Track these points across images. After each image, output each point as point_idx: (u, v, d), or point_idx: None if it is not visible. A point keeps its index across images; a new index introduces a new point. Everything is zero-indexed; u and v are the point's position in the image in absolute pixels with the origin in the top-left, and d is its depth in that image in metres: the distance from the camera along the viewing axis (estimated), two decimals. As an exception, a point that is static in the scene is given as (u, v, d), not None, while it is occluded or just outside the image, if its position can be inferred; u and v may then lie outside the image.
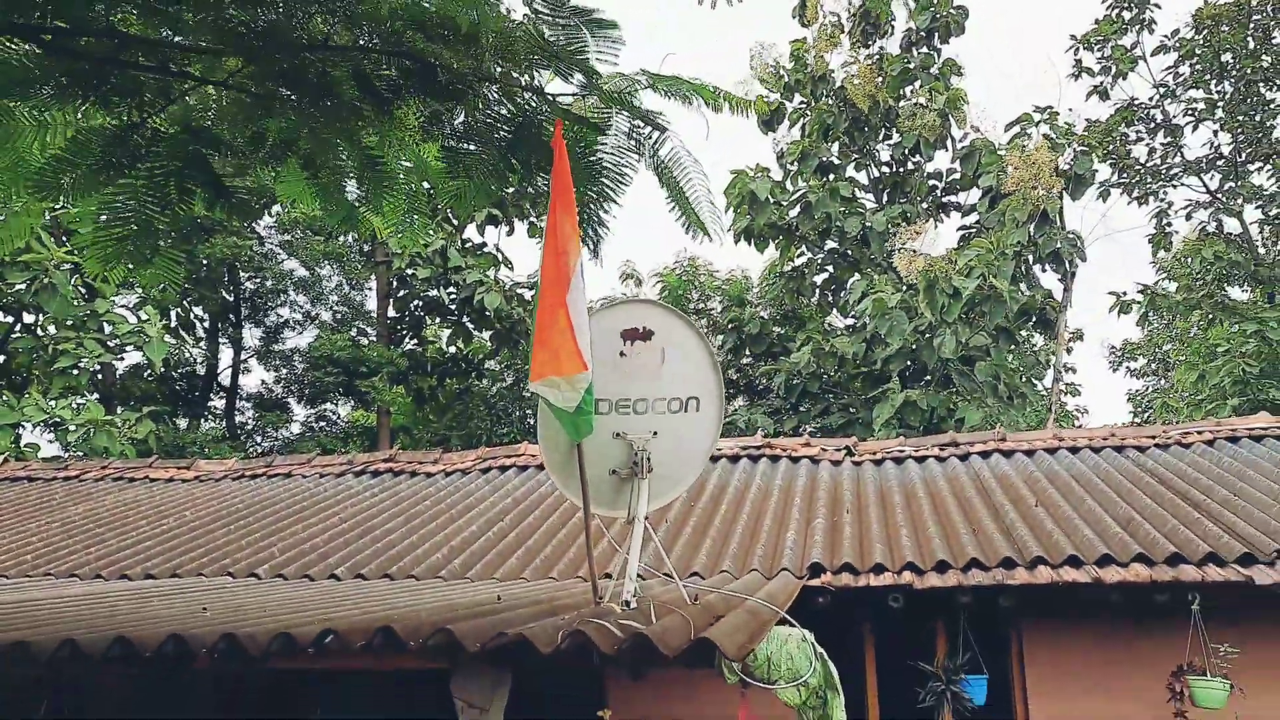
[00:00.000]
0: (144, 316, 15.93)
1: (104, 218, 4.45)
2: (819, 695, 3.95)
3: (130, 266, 4.50)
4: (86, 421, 13.96)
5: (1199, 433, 9.32)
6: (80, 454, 13.94)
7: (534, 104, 4.57)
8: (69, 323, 15.28)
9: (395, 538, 8.04)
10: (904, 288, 14.81)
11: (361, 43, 4.28)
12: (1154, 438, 9.36)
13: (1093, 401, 50.16)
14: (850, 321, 18.16)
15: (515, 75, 4.50)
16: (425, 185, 5.17)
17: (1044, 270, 16.03)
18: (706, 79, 4.60)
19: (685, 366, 4.40)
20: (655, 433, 4.33)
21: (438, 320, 21.53)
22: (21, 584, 7.15)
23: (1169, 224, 23.58)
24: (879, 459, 9.54)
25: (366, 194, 4.86)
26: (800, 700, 3.95)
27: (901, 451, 9.70)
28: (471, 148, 4.73)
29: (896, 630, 6.89)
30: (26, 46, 3.98)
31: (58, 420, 14.14)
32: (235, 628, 3.50)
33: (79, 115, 4.35)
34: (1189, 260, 23.44)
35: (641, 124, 4.80)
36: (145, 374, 19.67)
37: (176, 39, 4.28)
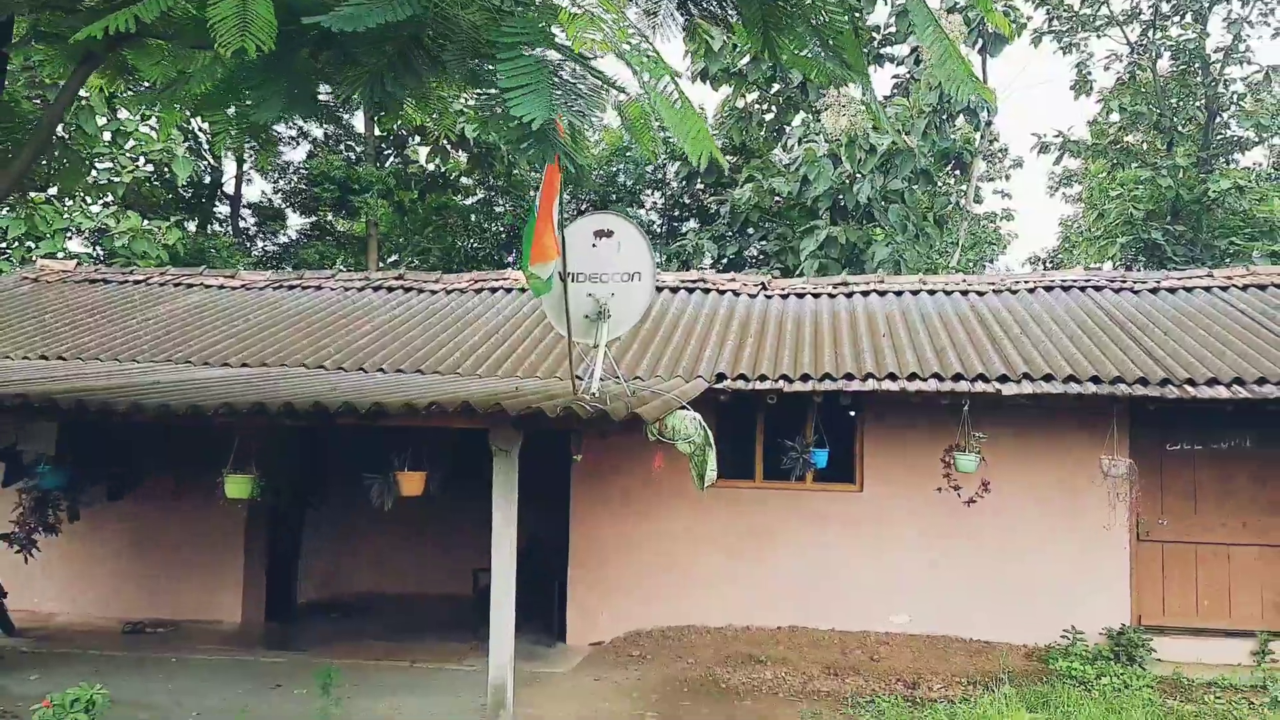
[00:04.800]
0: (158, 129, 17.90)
1: (236, 117, 6.89)
2: (700, 449, 6.95)
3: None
4: (128, 229, 16.33)
5: (1025, 282, 12.27)
6: (124, 259, 16.37)
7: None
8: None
9: (419, 343, 10.85)
10: (831, 140, 17.28)
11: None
12: (993, 284, 12.29)
13: (1031, 227, 53.13)
14: (789, 160, 20.60)
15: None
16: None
17: (953, 126, 18.48)
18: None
19: (631, 252, 7.14)
20: (613, 294, 7.11)
21: (418, 139, 23.60)
22: (155, 368, 9.92)
23: (1089, 73, 25.92)
24: (785, 294, 12.41)
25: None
26: (690, 451, 6.95)
27: (804, 289, 12.58)
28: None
29: (782, 417, 10.00)
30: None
31: (102, 228, 16.48)
32: (382, 398, 6.37)
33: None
34: (1104, 110, 25.90)
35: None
36: (151, 181, 21.75)
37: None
